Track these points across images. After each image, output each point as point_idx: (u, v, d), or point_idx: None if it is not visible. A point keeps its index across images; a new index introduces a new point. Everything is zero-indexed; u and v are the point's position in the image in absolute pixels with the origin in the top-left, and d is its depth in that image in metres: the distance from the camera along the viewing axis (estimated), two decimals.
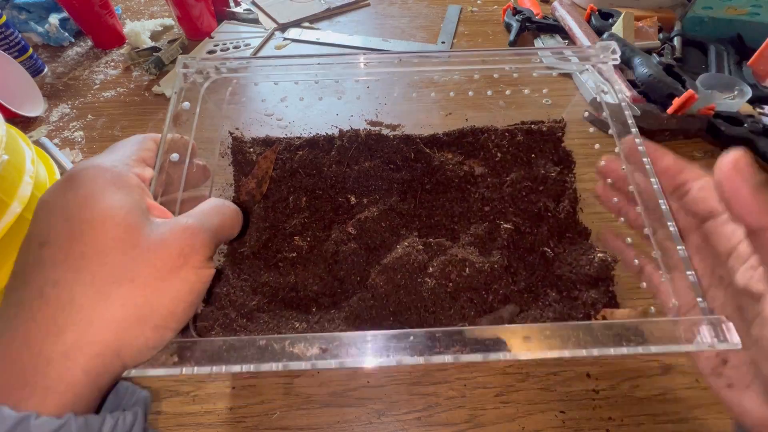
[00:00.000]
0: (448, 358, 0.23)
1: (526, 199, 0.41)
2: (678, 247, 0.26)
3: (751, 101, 0.58)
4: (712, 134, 0.56)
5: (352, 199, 0.42)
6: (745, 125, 0.54)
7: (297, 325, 0.36)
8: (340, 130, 0.44)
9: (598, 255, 0.36)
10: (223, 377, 0.40)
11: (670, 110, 0.55)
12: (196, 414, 0.38)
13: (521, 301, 0.36)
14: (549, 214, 0.41)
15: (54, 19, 0.74)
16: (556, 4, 0.76)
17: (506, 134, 0.44)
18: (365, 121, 0.51)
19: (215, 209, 0.25)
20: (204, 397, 0.39)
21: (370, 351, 0.23)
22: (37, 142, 0.56)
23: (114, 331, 0.20)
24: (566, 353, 0.23)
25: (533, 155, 0.44)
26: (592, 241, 0.40)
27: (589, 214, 0.42)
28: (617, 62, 0.37)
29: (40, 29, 0.73)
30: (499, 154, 0.44)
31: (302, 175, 0.43)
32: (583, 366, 0.39)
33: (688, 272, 0.26)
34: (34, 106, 0.63)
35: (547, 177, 0.42)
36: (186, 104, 0.33)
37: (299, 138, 0.46)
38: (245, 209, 0.41)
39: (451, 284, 0.35)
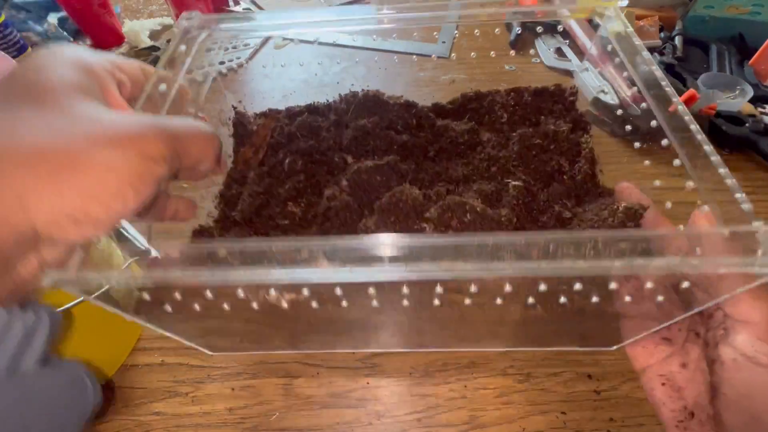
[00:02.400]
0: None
1: (537, 158, 0.38)
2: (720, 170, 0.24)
3: (752, 101, 0.58)
4: (713, 134, 0.56)
5: (349, 159, 0.40)
6: (747, 125, 0.54)
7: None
8: (340, 95, 0.43)
9: (623, 204, 0.31)
10: (222, 378, 0.39)
11: (670, 109, 0.55)
12: (195, 415, 0.38)
13: None
14: (564, 175, 0.37)
15: (53, 18, 0.74)
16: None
17: (512, 94, 0.42)
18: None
19: (185, 121, 0.22)
20: (203, 398, 0.38)
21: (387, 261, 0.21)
22: None
23: (22, 177, 0.17)
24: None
25: (542, 116, 0.41)
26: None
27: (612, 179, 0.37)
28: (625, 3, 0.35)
29: (39, 28, 0.73)
30: (505, 115, 0.41)
31: (299, 138, 0.42)
32: (584, 367, 0.39)
33: (737, 194, 0.23)
34: None
35: (558, 133, 0.39)
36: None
37: (299, 106, 0.46)
38: (243, 177, 0.41)
39: (451, 232, 0.31)
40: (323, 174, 0.39)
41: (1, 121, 0.18)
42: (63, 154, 0.17)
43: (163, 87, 0.28)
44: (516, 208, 0.34)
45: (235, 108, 0.45)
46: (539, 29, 0.65)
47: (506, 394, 0.38)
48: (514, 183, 0.36)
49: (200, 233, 0.37)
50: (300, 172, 0.40)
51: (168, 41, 0.74)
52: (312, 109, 0.44)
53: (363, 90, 0.43)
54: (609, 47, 0.34)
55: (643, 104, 0.31)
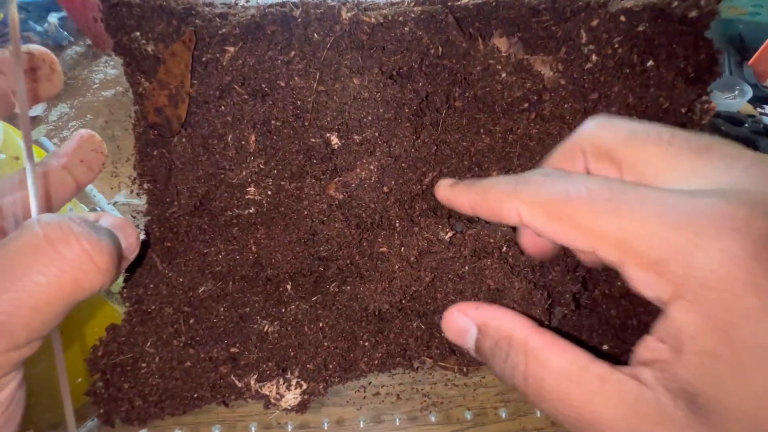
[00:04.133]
0: None
1: None
2: None
3: (751, 101, 0.58)
4: (712, 134, 0.56)
5: (334, 139, 0.27)
6: (746, 125, 0.54)
7: (265, 327, 0.28)
8: (303, 3, 0.26)
9: None
10: None
11: None
12: (194, 413, 0.38)
13: None
14: None
15: (53, 18, 0.74)
16: None
17: (619, 19, 0.26)
18: None
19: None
20: None
21: None
22: (36, 142, 0.56)
23: None
24: None
25: (652, 62, 0.27)
26: None
27: None
28: None
29: (39, 28, 0.73)
30: (594, 57, 0.26)
31: (241, 93, 0.27)
32: None
33: None
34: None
35: (671, 113, 0.27)
36: None
37: (227, 16, 0.27)
38: (160, 136, 0.28)
39: None
40: (294, 153, 0.28)
41: None
42: None
43: None
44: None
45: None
46: None
47: (506, 392, 0.38)
48: None
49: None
50: (256, 153, 0.28)
51: None
52: (253, 28, 0.26)
53: (347, 4, 0.26)
54: None
55: None
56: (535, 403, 0.19)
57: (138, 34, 0.27)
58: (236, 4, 0.28)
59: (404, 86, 0.27)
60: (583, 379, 0.17)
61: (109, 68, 0.72)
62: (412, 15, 0.26)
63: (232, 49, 0.26)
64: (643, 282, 0.17)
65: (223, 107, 0.27)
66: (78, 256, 0.17)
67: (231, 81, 0.27)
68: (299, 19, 0.26)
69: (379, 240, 0.28)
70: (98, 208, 0.46)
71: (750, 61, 0.63)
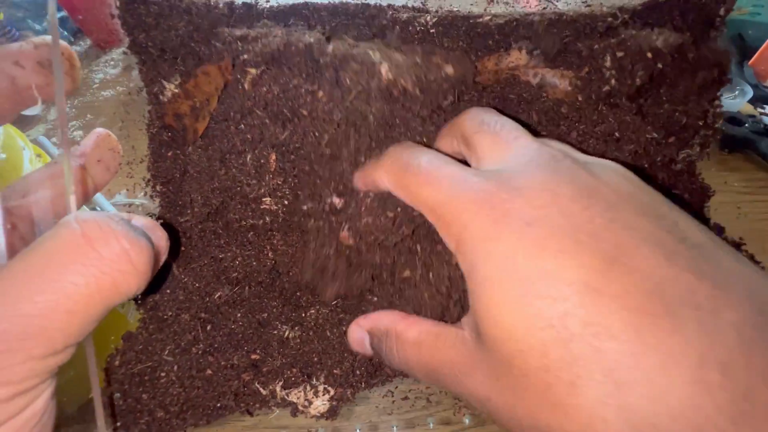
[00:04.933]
0: None
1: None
2: None
3: (752, 101, 0.58)
4: None
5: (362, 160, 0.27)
6: (746, 125, 0.54)
7: (286, 332, 0.28)
8: (327, 38, 0.27)
9: None
10: None
11: None
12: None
13: None
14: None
15: None
16: None
17: (646, 55, 0.26)
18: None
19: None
20: None
21: None
22: (35, 141, 0.56)
23: None
24: None
25: (665, 88, 0.28)
26: None
27: None
28: None
29: (38, 27, 0.73)
30: (613, 82, 0.27)
31: (262, 117, 0.27)
32: None
33: None
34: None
35: (689, 127, 0.28)
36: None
37: (254, 40, 0.26)
38: (173, 140, 0.28)
39: None
40: (318, 178, 0.27)
41: None
42: None
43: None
44: None
45: None
46: None
47: None
48: None
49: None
50: (275, 173, 0.28)
51: None
52: (278, 57, 0.26)
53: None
54: None
55: None
56: (408, 373, 0.24)
57: (156, 32, 0.27)
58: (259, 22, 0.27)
59: (426, 125, 0.27)
60: (427, 340, 0.23)
61: (110, 68, 0.72)
62: (444, 75, 0.26)
63: (255, 70, 0.26)
64: (446, 240, 0.22)
65: (243, 126, 0.27)
66: (117, 256, 0.16)
67: (253, 106, 0.27)
68: (329, 62, 0.26)
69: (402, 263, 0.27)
70: (97, 208, 0.46)
71: (750, 61, 0.63)
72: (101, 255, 0.16)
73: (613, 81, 0.27)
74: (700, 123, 0.29)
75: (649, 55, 0.26)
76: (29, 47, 0.22)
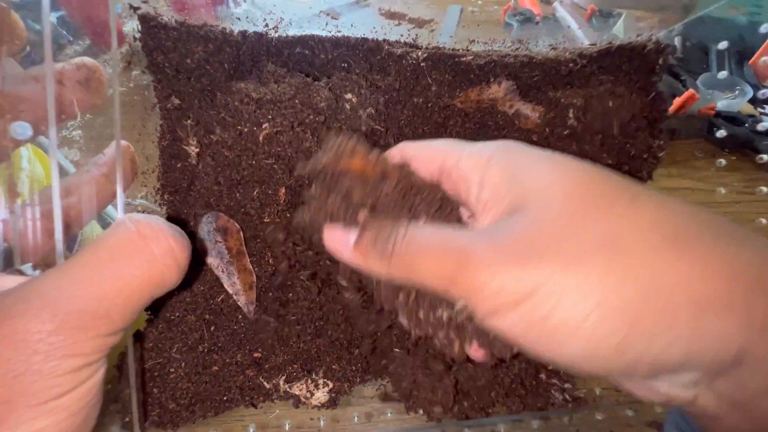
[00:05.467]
0: None
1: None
2: None
3: (752, 101, 0.58)
4: (712, 134, 0.56)
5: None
6: (746, 125, 0.54)
7: (285, 330, 0.30)
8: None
9: None
10: None
11: (670, 110, 0.55)
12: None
13: None
14: None
15: (52, 17, 0.74)
16: (556, 4, 0.76)
17: (607, 104, 0.31)
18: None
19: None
20: None
21: None
22: (34, 140, 0.56)
23: None
24: None
25: (617, 128, 0.32)
26: None
27: None
28: None
29: (37, 27, 0.73)
30: (573, 122, 0.32)
31: (271, 164, 0.29)
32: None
33: None
34: None
35: (637, 157, 0.33)
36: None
37: (270, 103, 0.28)
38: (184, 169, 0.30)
39: None
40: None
41: None
42: None
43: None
44: None
45: (136, 9, 0.28)
46: None
47: None
48: None
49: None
50: (283, 206, 0.29)
51: None
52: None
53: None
54: None
55: None
56: (405, 279, 0.21)
57: (174, 55, 0.30)
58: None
59: None
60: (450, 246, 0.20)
61: (108, 68, 0.72)
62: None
63: (268, 130, 0.29)
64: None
65: (254, 162, 0.29)
66: (166, 252, 0.18)
67: (265, 158, 0.29)
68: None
69: None
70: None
71: (750, 61, 0.63)
72: (153, 251, 0.18)
73: (574, 123, 0.32)
74: (645, 156, 0.33)
75: (611, 104, 0.31)
76: (71, 68, 0.26)
